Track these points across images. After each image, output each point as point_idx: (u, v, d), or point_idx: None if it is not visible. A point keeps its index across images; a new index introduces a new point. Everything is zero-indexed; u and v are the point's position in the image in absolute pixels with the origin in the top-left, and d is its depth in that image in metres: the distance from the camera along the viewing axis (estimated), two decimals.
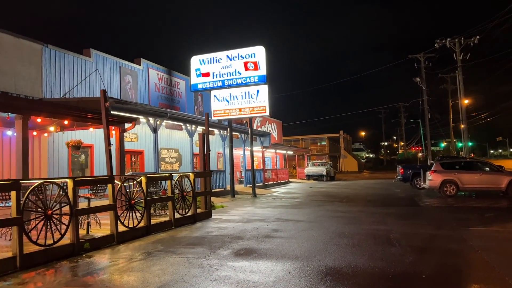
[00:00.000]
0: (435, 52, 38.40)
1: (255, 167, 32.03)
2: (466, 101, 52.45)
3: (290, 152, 41.84)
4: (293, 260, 6.46)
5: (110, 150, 8.33)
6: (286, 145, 58.00)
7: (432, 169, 18.60)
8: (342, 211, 13.31)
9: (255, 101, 19.93)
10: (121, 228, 8.31)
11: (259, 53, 19.66)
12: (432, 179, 18.33)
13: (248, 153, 31.11)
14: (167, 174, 10.13)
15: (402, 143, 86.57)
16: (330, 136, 64.01)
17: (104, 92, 9.44)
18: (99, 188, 8.80)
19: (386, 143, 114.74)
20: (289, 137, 63.38)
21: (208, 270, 5.91)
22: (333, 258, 6.50)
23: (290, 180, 36.73)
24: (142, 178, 9.13)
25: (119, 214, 8.25)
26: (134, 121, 13.11)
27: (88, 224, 8.31)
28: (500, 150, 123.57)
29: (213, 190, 21.05)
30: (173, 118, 17.31)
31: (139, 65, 19.80)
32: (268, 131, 37.51)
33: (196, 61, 20.74)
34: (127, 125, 13.11)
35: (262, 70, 19.49)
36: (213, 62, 20.50)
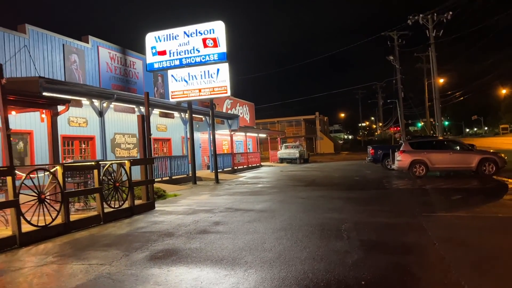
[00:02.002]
0: (408, 29, 37.62)
1: (225, 152, 30.92)
2: (441, 80, 52.28)
3: (263, 135, 40.73)
4: (214, 264, 5.35)
5: (9, 135, 6.99)
6: (260, 128, 56.93)
7: (400, 149, 17.75)
8: (302, 197, 12.29)
9: (216, 80, 18.64)
10: (28, 228, 7.05)
11: (218, 28, 18.27)
12: (400, 159, 17.49)
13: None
14: (93, 163, 8.83)
15: (380, 124, 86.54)
16: (306, 118, 63.03)
17: None
18: (4, 181, 7.49)
19: (363, 124, 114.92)
20: (265, 120, 62.27)
21: (101, 284, 4.74)
22: (263, 260, 5.42)
23: (263, 164, 35.71)
24: (58, 168, 7.84)
25: (26, 211, 6.98)
26: (68, 103, 11.73)
27: None
28: (475, 129, 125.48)
29: (174, 177, 19.90)
30: (122, 100, 15.89)
31: (87, 43, 18.16)
32: (240, 113, 36.25)
33: (151, 39, 19.22)
34: (60, 108, 11.73)
35: (222, 47, 18.14)
36: (170, 39, 19.02)
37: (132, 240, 7.00)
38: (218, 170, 24.83)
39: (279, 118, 62.92)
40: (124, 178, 9.84)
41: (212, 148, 19.91)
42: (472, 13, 49.44)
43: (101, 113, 15.00)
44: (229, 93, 18.55)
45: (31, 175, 7.34)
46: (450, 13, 32.03)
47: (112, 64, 19.69)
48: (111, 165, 9.36)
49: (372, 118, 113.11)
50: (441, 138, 22.76)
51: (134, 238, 7.22)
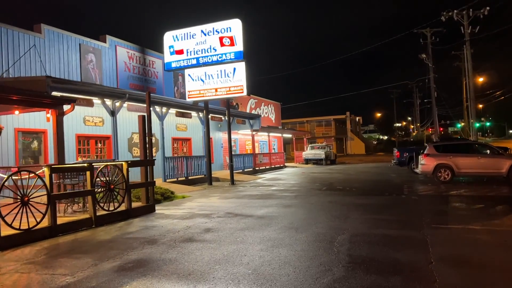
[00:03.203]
0: (442, 26, 35.92)
1: (247, 152, 30.52)
2: (480, 79, 49.82)
3: (288, 135, 40.07)
4: (179, 279, 4.94)
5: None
6: (289, 127, 56.28)
7: (424, 152, 16.77)
8: (311, 202, 11.70)
9: (232, 80, 18.25)
10: (10, 231, 6.88)
11: (235, 27, 17.87)
12: (424, 163, 16.52)
13: (236, 137, 29.64)
14: (85, 165, 8.62)
15: (418, 124, 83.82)
16: (336, 118, 61.73)
17: None
18: None
19: (399, 125, 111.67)
20: (294, 120, 61.53)
21: None
22: (233, 277, 4.95)
23: (287, 164, 35.10)
24: (45, 169, 7.65)
25: (7, 214, 6.82)
26: (74, 102, 11.65)
27: None
28: None
29: (191, 178, 19.68)
30: (135, 99, 15.76)
31: (105, 42, 18.20)
32: (265, 113, 35.83)
33: (169, 38, 19.06)
34: (66, 107, 11.67)
35: (239, 46, 17.72)
36: (187, 38, 18.80)
37: (112, 247, 6.70)
38: (238, 171, 24.60)
39: (308, 118, 61.96)
40: (124, 179, 9.60)
41: (228, 148, 19.52)
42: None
43: (113, 113, 14.93)
44: (245, 93, 18.12)
45: (21, 176, 7.18)
46: (488, 8, 30.31)
47: (131, 64, 19.69)
48: (105, 167, 9.13)
49: (409, 118, 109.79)
50: (471, 140, 21.44)
51: (115, 244, 6.92)
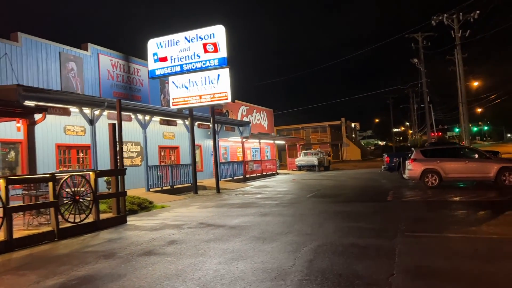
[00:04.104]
0: (433, 30, 35.80)
1: (238, 159, 30.18)
2: (475, 83, 49.60)
3: (281, 142, 39.77)
4: None
5: None
6: (285, 134, 56.03)
7: (411, 157, 16.46)
8: (290, 210, 11.34)
9: (216, 86, 17.97)
10: None
11: (218, 33, 17.67)
12: (411, 168, 16.21)
13: (227, 144, 29.35)
14: (47, 175, 8.30)
15: (417, 129, 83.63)
16: (331, 124, 61.47)
17: None
18: None
19: (397, 130, 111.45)
20: (289, 126, 61.30)
21: None
22: None
23: (280, 171, 34.76)
24: (1, 181, 7.33)
25: None
26: (45, 111, 11.36)
27: None
28: None
29: (176, 186, 19.31)
30: (114, 107, 15.38)
31: (86, 50, 17.95)
32: (257, 120, 35.59)
33: (153, 45, 18.87)
34: (38, 117, 11.39)
35: (223, 52, 17.51)
36: (171, 45, 18.60)
37: (65, 262, 6.37)
38: (228, 179, 24.29)
39: (303, 124, 61.71)
40: (93, 190, 9.28)
41: (213, 156, 19.20)
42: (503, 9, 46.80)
43: (91, 121, 14.64)
44: (229, 99, 17.83)
45: None
46: (478, 12, 30.15)
47: (114, 72, 19.43)
48: (70, 177, 8.81)
49: (407, 123, 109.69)
50: (461, 145, 21.15)
51: (69, 259, 6.59)
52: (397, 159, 21.38)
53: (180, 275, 5.38)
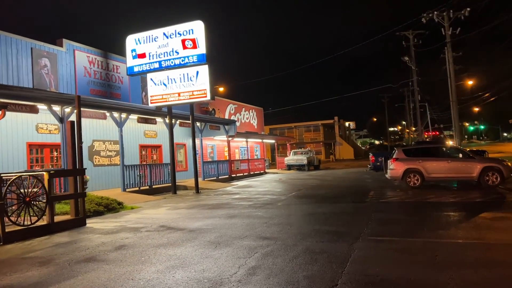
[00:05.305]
0: (424, 28, 35.33)
1: (226, 158, 29.70)
2: (470, 82, 49.22)
3: (271, 141, 39.31)
4: None
5: None
6: (278, 133, 55.58)
7: (393, 156, 16.04)
8: (261, 212, 10.89)
9: (195, 84, 17.52)
10: None
11: (197, 29, 17.22)
12: (393, 168, 15.79)
13: (213, 143, 28.88)
14: None
15: (413, 128, 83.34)
16: (324, 123, 61.03)
17: None
18: None
19: (395, 129, 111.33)
20: (282, 125, 60.86)
21: None
22: None
23: (269, 171, 34.32)
24: None
25: None
26: (4, 108, 10.85)
27: None
28: None
29: (155, 186, 18.78)
30: (87, 105, 14.95)
31: (61, 46, 17.44)
32: (245, 118, 35.14)
33: (131, 41, 18.42)
34: None
35: (202, 49, 17.07)
36: (150, 41, 18.14)
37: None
38: (212, 178, 23.85)
39: (296, 123, 61.26)
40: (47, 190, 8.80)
41: (193, 155, 18.74)
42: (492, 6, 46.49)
43: (61, 120, 14.14)
44: (208, 97, 17.37)
45: None
46: (468, 9, 29.77)
47: (91, 69, 18.93)
48: (18, 178, 8.34)
49: (404, 122, 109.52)
50: (441, 144, 20.72)
51: (1, 267, 6.12)
52: (382, 158, 20.96)
53: (108, 286, 4.93)
